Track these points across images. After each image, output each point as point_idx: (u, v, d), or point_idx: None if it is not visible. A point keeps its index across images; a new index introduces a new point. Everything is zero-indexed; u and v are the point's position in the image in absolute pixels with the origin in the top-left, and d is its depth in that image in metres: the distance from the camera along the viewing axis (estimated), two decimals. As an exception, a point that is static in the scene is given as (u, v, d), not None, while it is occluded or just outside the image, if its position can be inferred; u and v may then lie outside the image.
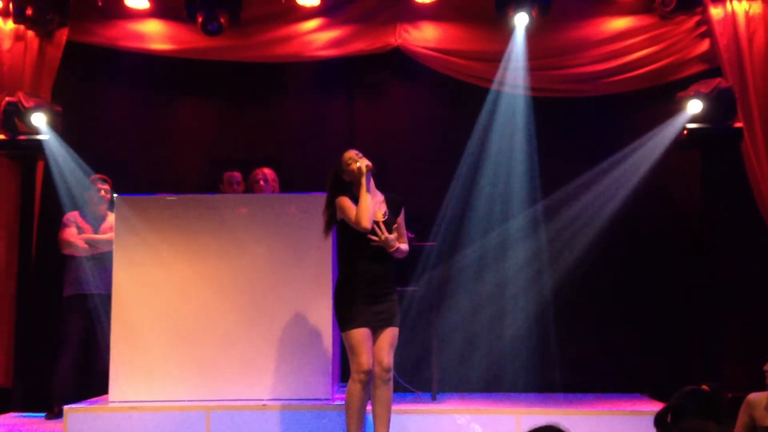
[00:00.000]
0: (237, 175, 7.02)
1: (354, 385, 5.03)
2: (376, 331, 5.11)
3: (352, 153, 5.17)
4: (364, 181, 5.08)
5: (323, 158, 7.48)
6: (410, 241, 5.41)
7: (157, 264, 6.00)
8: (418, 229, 6.00)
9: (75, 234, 6.63)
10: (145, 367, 5.90)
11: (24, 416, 6.71)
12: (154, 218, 6.04)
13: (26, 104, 7.06)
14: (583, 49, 7.36)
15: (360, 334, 5.03)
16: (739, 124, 7.05)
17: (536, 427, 2.86)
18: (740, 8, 7.18)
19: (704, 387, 3.67)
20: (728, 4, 7.20)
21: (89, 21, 7.44)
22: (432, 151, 7.50)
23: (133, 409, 5.71)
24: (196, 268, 6.00)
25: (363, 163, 5.10)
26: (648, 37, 7.31)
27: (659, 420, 3.48)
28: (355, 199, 5.08)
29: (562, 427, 2.84)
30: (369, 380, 5.05)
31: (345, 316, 5.11)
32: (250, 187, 6.90)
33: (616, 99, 7.43)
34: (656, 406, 5.87)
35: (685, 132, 7.12)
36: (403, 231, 5.31)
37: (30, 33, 7.34)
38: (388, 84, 7.81)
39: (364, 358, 5.00)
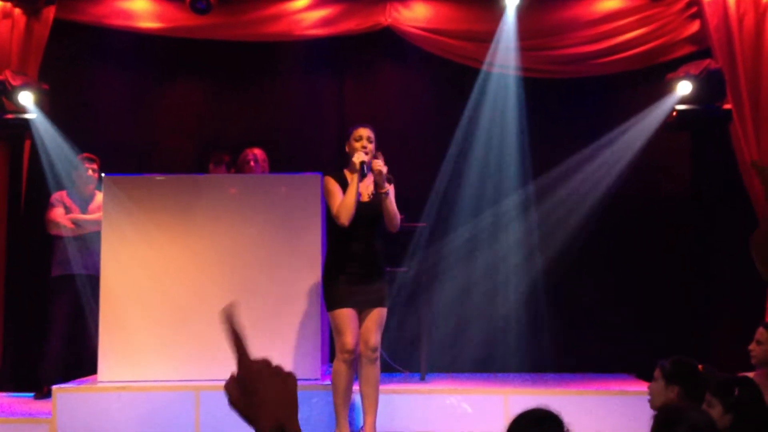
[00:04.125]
0: (226, 156, 6.99)
1: (339, 365, 5.06)
2: (363, 311, 5.13)
3: (363, 133, 5.16)
4: (355, 176, 5.05)
5: (313, 138, 7.53)
6: (400, 222, 5.40)
7: (145, 244, 5.98)
8: (409, 210, 5.99)
9: (62, 214, 6.59)
10: (133, 348, 5.89)
11: (12, 396, 6.70)
12: (142, 198, 6.01)
13: (13, 83, 6.99)
14: (573, 29, 7.34)
15: (345, 314, 5.04)
16: (728, 106, 7.05)
17: (526, 410, 2.87)
18: (730, -10, 7.18)
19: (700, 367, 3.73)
20: (718, -15, 7.20)
21: (77, -2, 7.38)
22: (423, 132, 7.48)
23: (122, 389, 5.71)
24: (185, 249, 5.99)
25: (359, 158, 5.07)
26: (638, 18, 7.29)
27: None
28: (345, 183, 5.08)
29: (551, 410, 2.85)
30: (354, 359, 5.07)
31: (331, 296, 5.13)
32: (240, 167, 6.86)
33: (606, 80, 7.43)
34: (643, 386, 5.89)
35: (675, 113, 7.12)
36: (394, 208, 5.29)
37: (17, 11, 7.25)
38: (379, 63, 7.77)
39: (348, 338, 5.02)
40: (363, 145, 5.13)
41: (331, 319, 5.11)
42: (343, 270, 5.10)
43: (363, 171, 5.07)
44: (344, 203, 5.01)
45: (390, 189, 5.12)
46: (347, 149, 5.23)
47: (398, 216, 5.17)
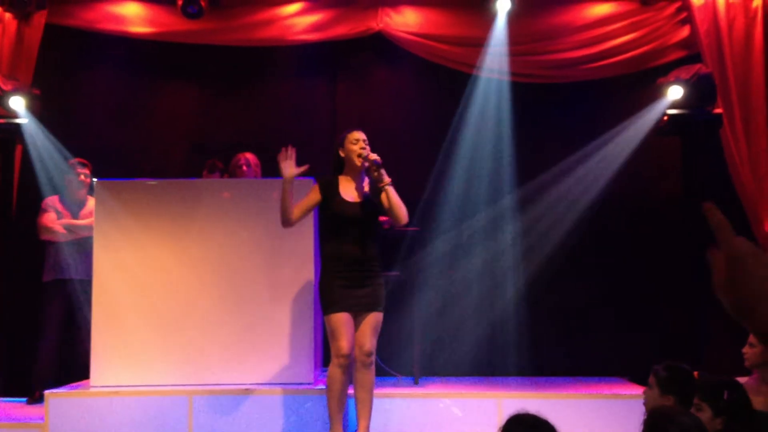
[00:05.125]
0: (219, 163, 6.98)
1: (334, 369, 5.05)
2: (358, 315, 5.12)
3: (359, 136, 5.18)
4: (286, 187, 5.10)
5: (306, 143, 7.50)
6: (392, 226, 5.40)
7: (138, 249, 5.97)
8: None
9: (54, 219, 6.58)
10: (126, 352, 5.88)
11: (5, 401, 6.67)
12: (134, 203, 6.00)
13: (4, 87, 6.98)
14: (564, 34, 7.38)
15: (340, 319, 5.04)
16: (718, 110, 7.09)
17: (516, 415, 2.89)
18: (720, -6, 7.22)
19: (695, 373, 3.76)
20: (708, -11, 7.24)
21: (68, 3, 7.35)
22: (415, 136, 7.50)
23: (115, 394, 5.69)
24: (178, 253, 5.98)
25: (372, 156, 5.08)
26: (629, 23, 7.33)
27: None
28: (336, 188, 5.13)
29: (534, 412, 2.87)
30: (349, 364, 5.06)
31: (326, 300, 5.12)
32: (232, 172, 6.87)
33: (597, 85, 7.46)
34: (637, 390, 5.92)
35: (666, 118, 7.16)
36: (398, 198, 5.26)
37: (7, 15, 7.24)
38: (372, 68, 7.79)
39: (342, 343, 5.01)
40: (362, 147, 5.14)
41: (327, 322, 5.10)
42: (338, 274, 5.10)
43: (378, 166, 5.07)
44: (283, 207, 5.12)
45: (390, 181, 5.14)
46: (342, 154, 5.23)
47: (404, 206, 5.14)
